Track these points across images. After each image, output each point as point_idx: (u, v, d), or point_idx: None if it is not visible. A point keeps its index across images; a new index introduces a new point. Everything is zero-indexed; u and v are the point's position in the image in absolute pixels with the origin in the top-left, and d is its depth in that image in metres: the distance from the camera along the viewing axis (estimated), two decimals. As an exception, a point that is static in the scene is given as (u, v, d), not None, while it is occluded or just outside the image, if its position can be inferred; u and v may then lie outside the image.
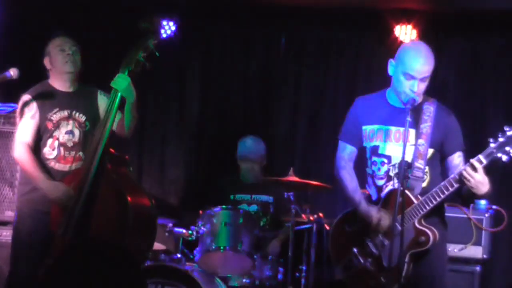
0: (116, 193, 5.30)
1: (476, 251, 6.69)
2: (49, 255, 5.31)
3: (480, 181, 4.75)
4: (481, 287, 6.77)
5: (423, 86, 4.95)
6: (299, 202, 6.44)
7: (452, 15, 7.25)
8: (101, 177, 5.31)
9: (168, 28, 7.73)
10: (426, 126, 4.98)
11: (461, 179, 4.78)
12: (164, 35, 7.71)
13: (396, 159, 4.98)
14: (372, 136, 5.10)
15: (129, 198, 5.24)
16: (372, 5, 7.20)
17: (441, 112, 5.06)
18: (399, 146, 4.93)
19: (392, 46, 7.22)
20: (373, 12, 7.28)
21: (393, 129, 4.98)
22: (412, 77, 4.91)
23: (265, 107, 7.95)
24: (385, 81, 7.19)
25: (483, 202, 6.72)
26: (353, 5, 7.27)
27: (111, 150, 5.50)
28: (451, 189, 4.83)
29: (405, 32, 7.34)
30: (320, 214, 6.48)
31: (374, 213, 5.00)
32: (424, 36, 7.29)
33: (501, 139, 4.75)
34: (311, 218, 6.44)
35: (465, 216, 6.72)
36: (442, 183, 4.86)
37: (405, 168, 4.77)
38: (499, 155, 4.74)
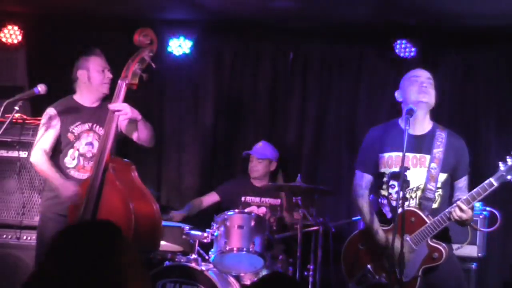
0: (120, 200, 5.25)
1: (471, 250, 6.68)
2: None
3: (466, 219, 4.87)
4: (477, 283, 6.78)
5: (430, 89, 5.04)
6: (306, 206, 6.44)
7: (447, 31, 7.26)
8: (106, 185, 5.29)
9: (184, 45, 7.76)
10: (439, 151, 5.02)
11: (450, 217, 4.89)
12: (181, 52, 7.76)
13: (413, 183, 5.01)
14: (390, 163, 5.12)
15: (132, 204, 5.20)
16: (372, 21, 7.20)
17: (452, 138, 5.11)
18: (416, 171, 5.01)
19: (391, 60, 7.39)
20: (373, 28, 7.30)
21: (409, 155, 4.99)
22: (417, 77, 5.05)
23: (273, 118, 7.96)
24: (385, 92, 7.34)
25: (477, 204, 6.59)
26: (355, 22, 7.27)
27: (116, 157, 5.50)
28: (444, 224, 4.92)
29: (403, 46, 7.34)
30: (326, 217, 6.50)
31: (388, 241, 5.02)
32: (420, 50, 7.33)
33: (510, 162, 4.80)
34: (318, 220, 6.44)
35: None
36: (438, 216, 4.93)
37: (404, 176, 4.84)
38: (508, 177, 4.79)
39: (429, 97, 5.03)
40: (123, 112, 5.42)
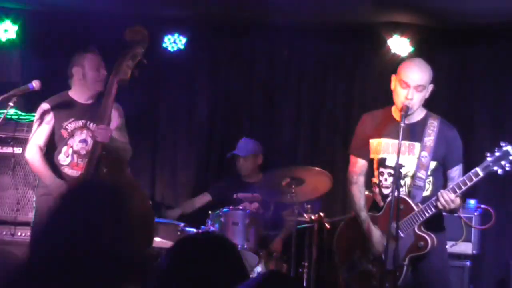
0: None
1: (466, 247, 6.71)
2: None
3: (454, 208, 4.87)
4: (471, 280, 6.80)
5: (418, 95, 4.96)
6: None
7: (442, 29, 7.25)
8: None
9: (179, 42, 7.74)
10: (430, 140, 5.00)
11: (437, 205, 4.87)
12: (175, 48, 7.73)
13: (402, 170, 4.96)
14: (379, 149, 5.10)
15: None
16: (367, 19, 7.20)
17: (444, 127, 5.08)
18: (405, 158, 4.97)
19: (386, 58, 7.32)
20: (368, 26, 7.27)
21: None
22: (406, 85, 4.93)
23: (269, 114, 7.95)
24: (379, 90, 7.31)
25: (472, 201, 6.75)
26: (349, 20, 7.28)
27: (108, 153, 5.46)
28: (431, 212, 4.91)
29: (398, 45, 7.29)
30: (321, 214, 6.47)
31: (375, 236, 5.05)
32: (416, 48, 7.28)
33: (497, 153, 4.80)
34: (313, 217, 6.43)
35: (455, 214, 6.71)
36: (425, 204, 4.93)
37: (399, 169, 4.82)
38: (495, 168, 4.79)
39: (413, 108, 4.97)
40: (97, 133, 5.39)
